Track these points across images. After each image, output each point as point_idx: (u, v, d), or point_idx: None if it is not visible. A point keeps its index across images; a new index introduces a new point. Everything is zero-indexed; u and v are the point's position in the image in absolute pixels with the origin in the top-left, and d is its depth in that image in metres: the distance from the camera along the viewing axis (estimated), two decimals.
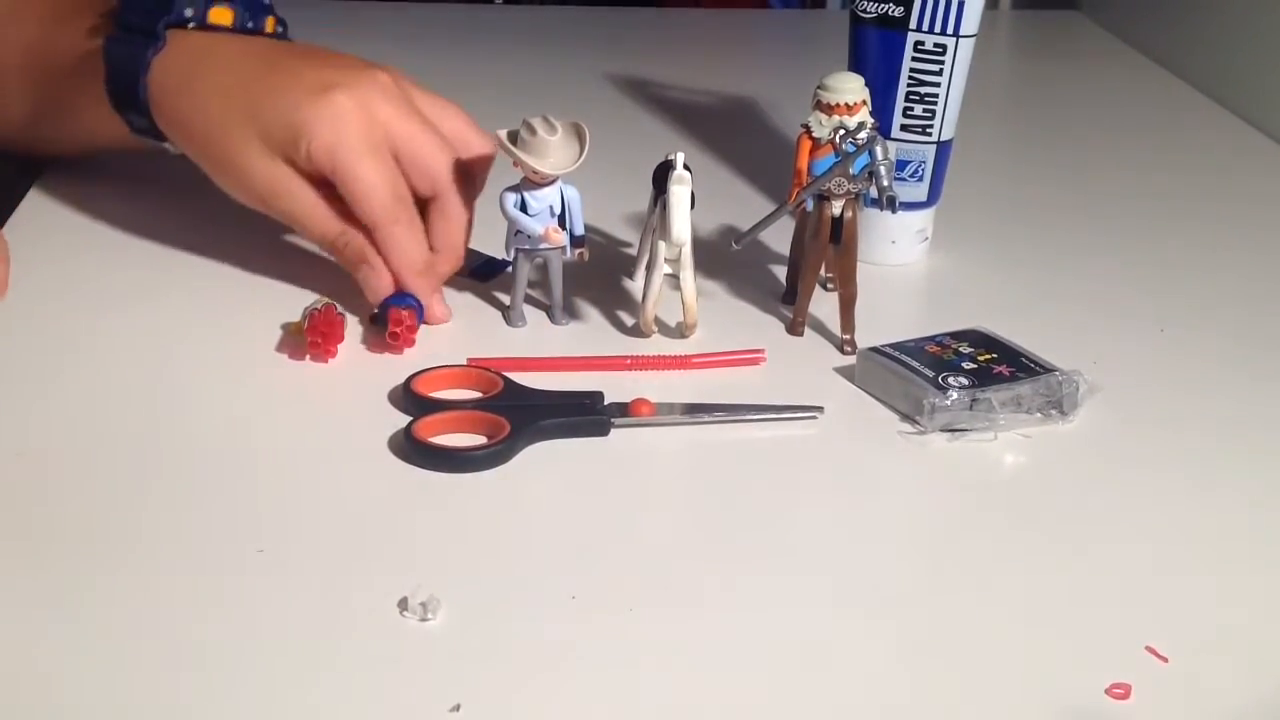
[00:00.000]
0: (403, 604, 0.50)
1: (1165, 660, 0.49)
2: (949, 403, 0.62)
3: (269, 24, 0.74)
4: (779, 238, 0.77)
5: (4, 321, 0.69)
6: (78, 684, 0.46)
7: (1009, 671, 0.49)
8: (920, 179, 0.79)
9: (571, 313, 0.72)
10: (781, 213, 0.70)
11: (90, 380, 0.64)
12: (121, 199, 0.82)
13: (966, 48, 0.76)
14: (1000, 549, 0.56)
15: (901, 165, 0.78)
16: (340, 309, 0.67)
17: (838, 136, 0.68)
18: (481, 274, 0.75)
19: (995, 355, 0.65)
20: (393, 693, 0.46)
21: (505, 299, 0.72)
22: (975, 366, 0.64)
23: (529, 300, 0.72)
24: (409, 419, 0.61)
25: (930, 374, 0.63)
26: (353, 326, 0.69)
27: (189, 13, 0.71)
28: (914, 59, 0.76)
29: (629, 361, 0.68)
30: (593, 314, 0.73)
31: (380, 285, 0.69)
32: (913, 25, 0.76)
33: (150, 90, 0.70)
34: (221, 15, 0.72)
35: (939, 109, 0.77)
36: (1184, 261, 0.84)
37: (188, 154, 0.71)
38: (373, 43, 1.20)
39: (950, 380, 0.63)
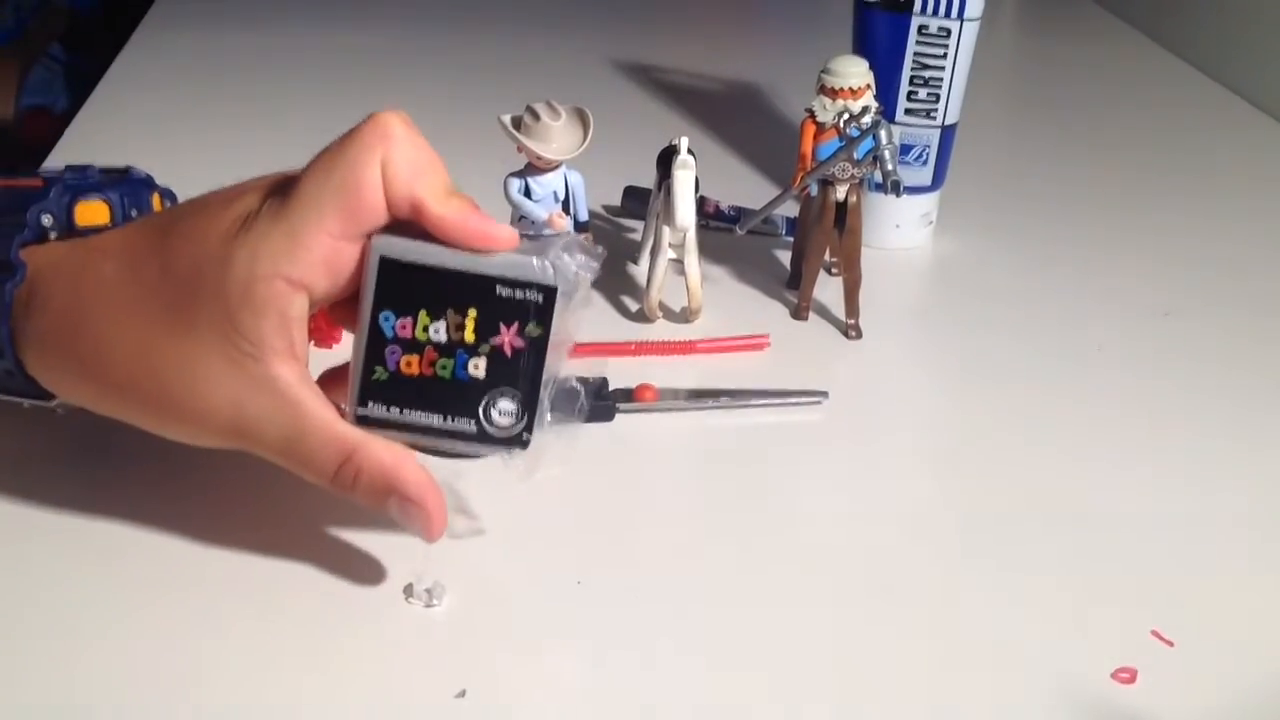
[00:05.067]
0: (408, 590, 0.50)
1: (1171, 644, 0.49)
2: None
3: (155, 201, 0.57)
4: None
5: None
6: (80, 673, 0.46)
7: (1015, 655, 0.49)
8: (925, 163, 0.79)
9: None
10: (786, 197, 0.70)
11: None
12: None
13: (971, 31, 0.76)
14: (1005, 534, 0.56)
15: (906, 149, 0.78)
16: None
17: (842, 121, 0.68)
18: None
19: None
20: (398, 679, 0.46)
21: None
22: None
23: None
24: None
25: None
26: None
27: (47, 220, 0.52)
28: (918, 42, 0.76)
29: (634, 347, 0.67)
30: (597, 299, 0.73)
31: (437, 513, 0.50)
32: (917, 9, 0.75)
33: (17, 338, 0.50)
34: (93, 212, 0.54)
35: (943, 93, 0.77)
36: (1189, 246, 0.83)
37: (92, 406, 0.51)
38: (377, 27, 1.20)
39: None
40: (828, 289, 0.73)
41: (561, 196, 0.68)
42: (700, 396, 0.63)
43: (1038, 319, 0.73)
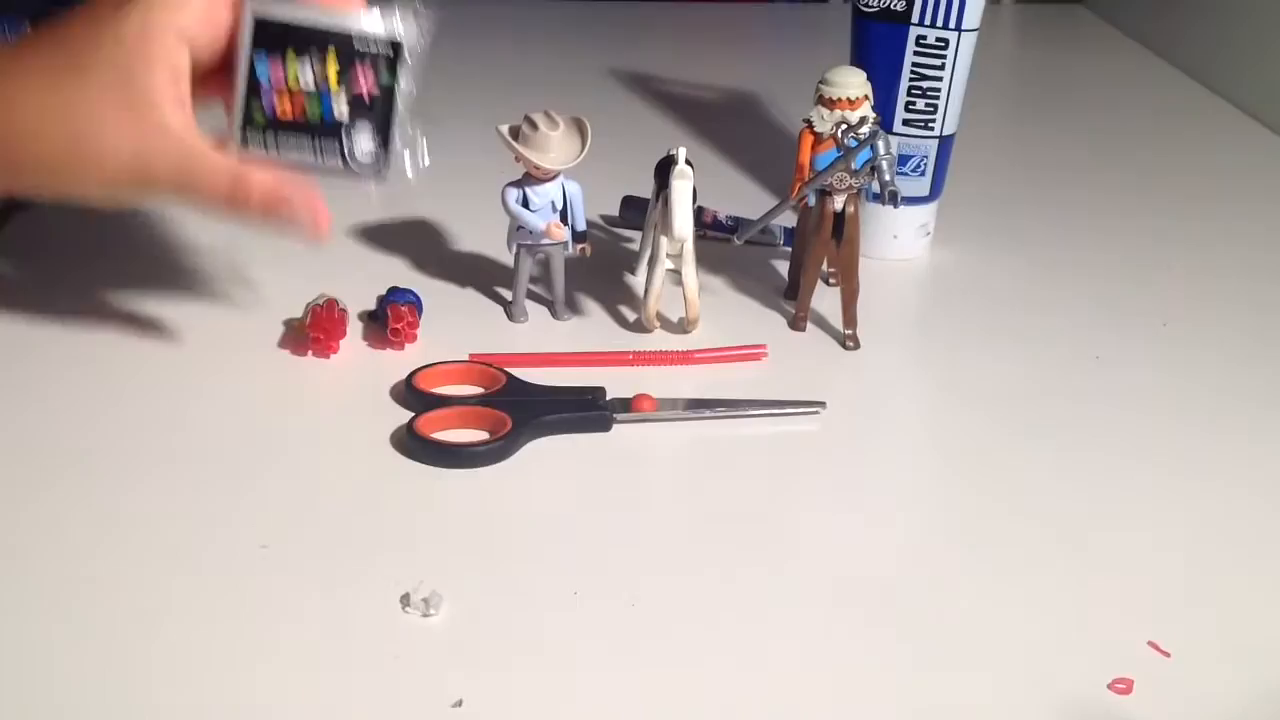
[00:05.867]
0: (405, 600, 0.50)
1: (1168, 655, 0.49)
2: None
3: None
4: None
5: (5, 319, 0.69)
6: (80, 681, 0.46)
7: (1012, 667, 0.49)
8: (922, 173, 0.79)
9: (574, 308, 0.72)
10: (783, 208, 0.70)
11: (92, 377, 0.64)
12: None
13: (969, 42, 0.76)
14: (1002, 544, 0.56)
15: (903, 160, 0.78)
16: (342, 305, 0.67)
17: (840, 131, 0.68)
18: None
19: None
20: (395, 688, 0.46)
21: (507, 294, 0.72)
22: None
23: (531, 296, 0.72)
24: (411, 415, 0.61)
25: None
26: (355, 322, 0.69)
27: None
28: (916, 53, 0.76)
29: (631, 357, 0.68)
30: (595, 309, 0.73)
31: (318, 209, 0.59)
32: (915, 19, 0.76)
33: None
34: None
35: (941, 103, 0.77)
36: (1186, 256, 0.83)
37: (5, 181, 0.59)
38: None
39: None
40: (825, 299, 0.73)
41: (559, 206, 0.68)
42: (698, 406, 0.64)
43: (1035, 329, 0.73)
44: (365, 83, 0.58)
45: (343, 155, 0.58)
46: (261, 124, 0.58)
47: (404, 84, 0.58)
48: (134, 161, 0.55)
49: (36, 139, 0.56)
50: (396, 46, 0.58)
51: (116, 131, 0.55)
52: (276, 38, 0.57)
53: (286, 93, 0.58)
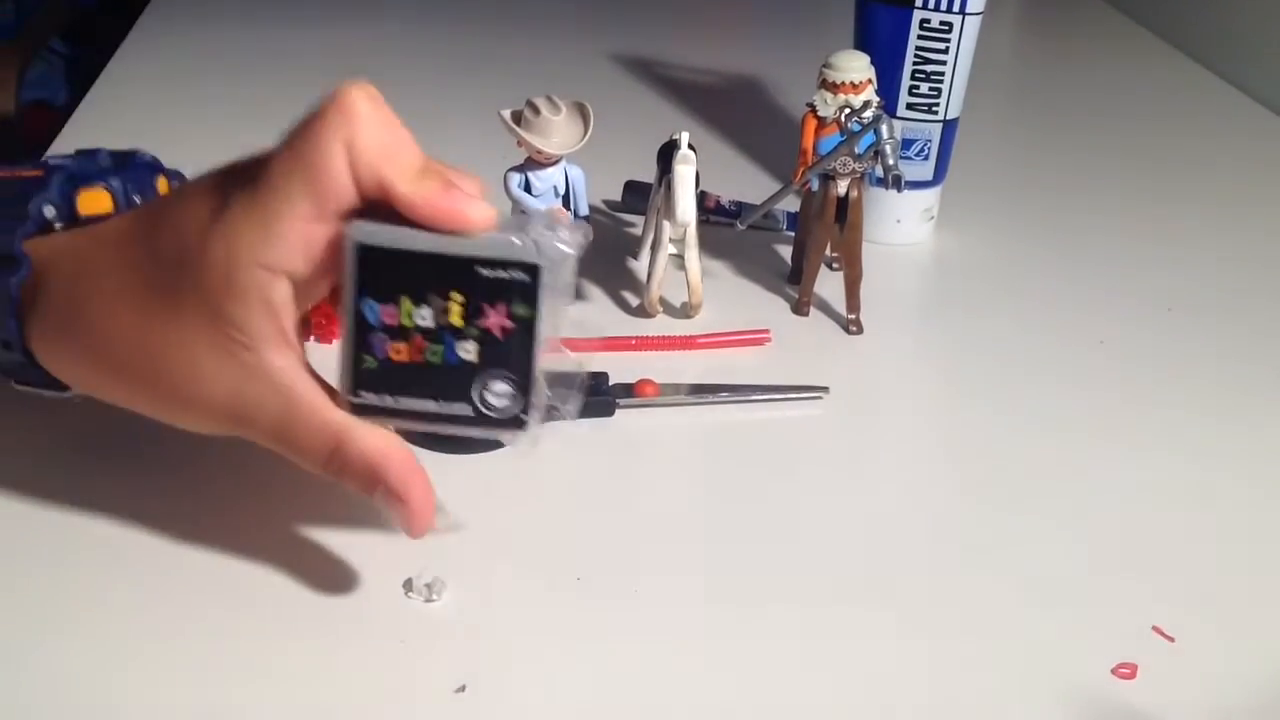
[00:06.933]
0: (408, 585, 0.50)
1: (1172, 640, 0.49)
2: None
3: (160, 184, 0.57)
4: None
5: None
6: (82, 669, 0.46)
7: (1015, 651, 0.49)
8: (926, 158, 0.79)
9: (576, 293, 0.72)
10: (787, 192, 0.70)
11: None
12: None
13: (973, 25, 0.76)
14: (1006, 529, 0.56)
15: (907, 144, 0.78)
16: None
17: (843, 115, 0.68)
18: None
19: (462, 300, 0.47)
20: (398, 673, 0.46)
21: None
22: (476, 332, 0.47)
23: None
24: None
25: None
26: None
27: (50, 211, 0.52)
28: (920, 37, 0.76)
29: (634, 342, 0.67)
30: (597, 294, 0.73)
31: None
32: (919, 3, 0.75)
33: (26, 330, 0.50)
34: (95, 201, 0.53)
35: (945, 87, 0.77)
36: (1191, 241, 0.83)
37: (99, 393, 0.51)
38: (378, 21, 1.20)
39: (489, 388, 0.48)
40: (829, 284, 0.73)
41: (562, 191, 0.68)
42: (701, 391, 0.63)
43: (1039, 314, 0.73)
44: (495, 316, 0.46)
45: (472, 402, 0.47)
46: (373, 369, 0.47)
47: (545, 314, 0.46)
48: (232, 403, 0.47)
49: (130, 374, 0.49)
50: (534, 270, 0.45)
51: (215, 376, 0.47)
52: (386, 267, 0.46)
53: (400, 331, 0.46)
